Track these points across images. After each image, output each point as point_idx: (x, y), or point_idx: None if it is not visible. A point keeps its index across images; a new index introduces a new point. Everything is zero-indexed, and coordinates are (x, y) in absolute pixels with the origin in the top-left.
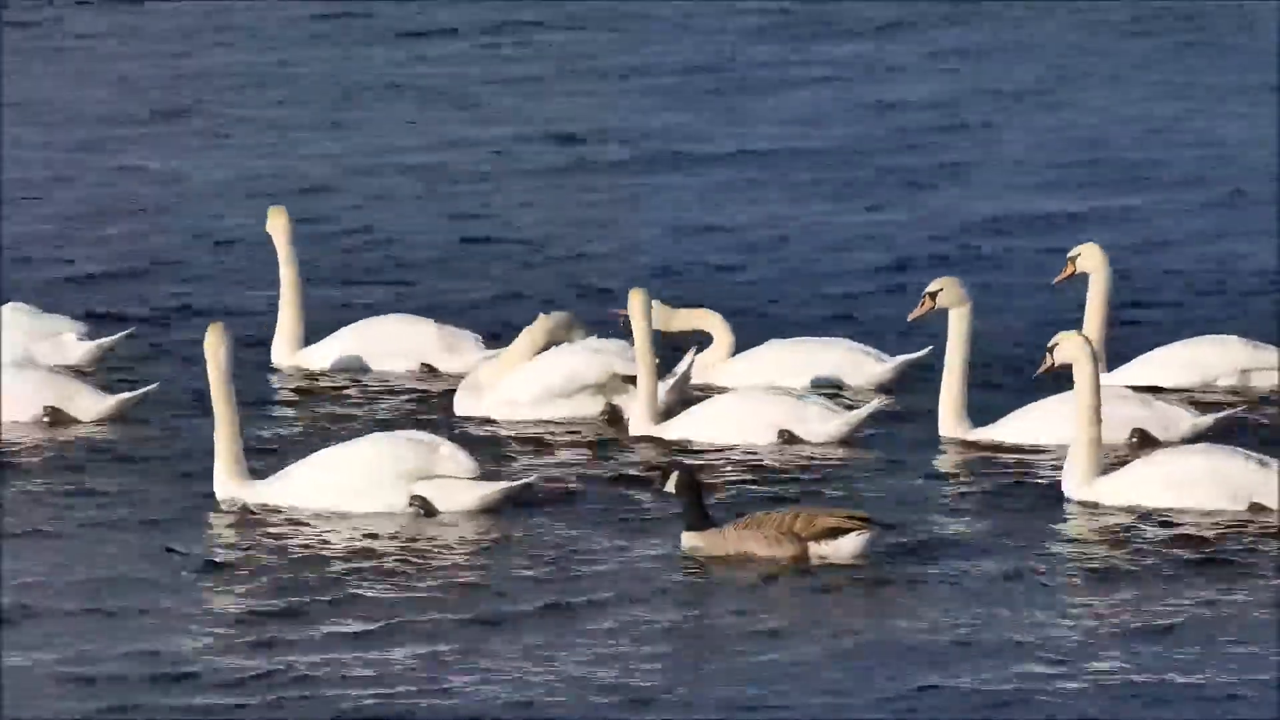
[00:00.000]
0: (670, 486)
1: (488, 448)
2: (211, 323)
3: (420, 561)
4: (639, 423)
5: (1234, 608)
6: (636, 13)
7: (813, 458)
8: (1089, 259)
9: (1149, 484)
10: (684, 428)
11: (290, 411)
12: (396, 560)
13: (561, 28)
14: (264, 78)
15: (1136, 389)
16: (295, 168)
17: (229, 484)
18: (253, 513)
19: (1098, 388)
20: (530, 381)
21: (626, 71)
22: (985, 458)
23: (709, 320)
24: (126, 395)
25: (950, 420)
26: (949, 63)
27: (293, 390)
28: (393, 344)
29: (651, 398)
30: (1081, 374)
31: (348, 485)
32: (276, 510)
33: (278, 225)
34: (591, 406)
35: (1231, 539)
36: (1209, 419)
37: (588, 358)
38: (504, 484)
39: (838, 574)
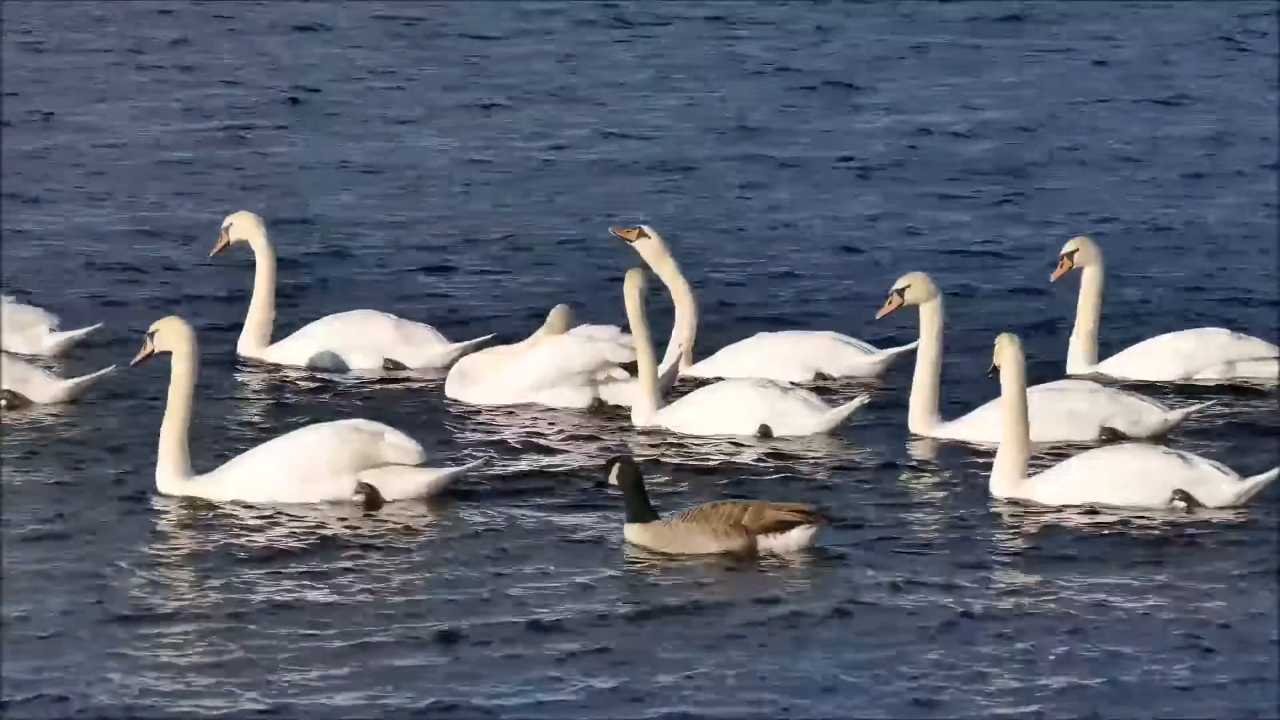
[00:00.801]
0: (612, 478)
1: (472, 435)
2: (170, 316)
3: (366, 552)
4: (641, 412)
5: (1165, 603)
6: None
7: (786, 451)
8: (1084, 253)
9: (1074, 483)
10: (675, 418)
11: (255, 405)
12: (345, 551)
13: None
14: (377, 72)
15: (1115, 381)
16: (405, 161)
17: (173, 478)
18: (198, 506)
19: (1023, 389)
20: (522, 370)
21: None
22: (947, 454)
23: (682, 299)
24: (81, 379)
25: (920, 416)
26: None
27: (258, 385)
28: (354, 339)
29: (653, 385)
30: (1008, 376)
31: (294, 476)
32: (222, 503)
33: (247, 227)
34: (582, 395)
35: (1156, 532)
36: (1178, 414)
37: (580, 346)
38: (450, 469)
39: (776, 572)
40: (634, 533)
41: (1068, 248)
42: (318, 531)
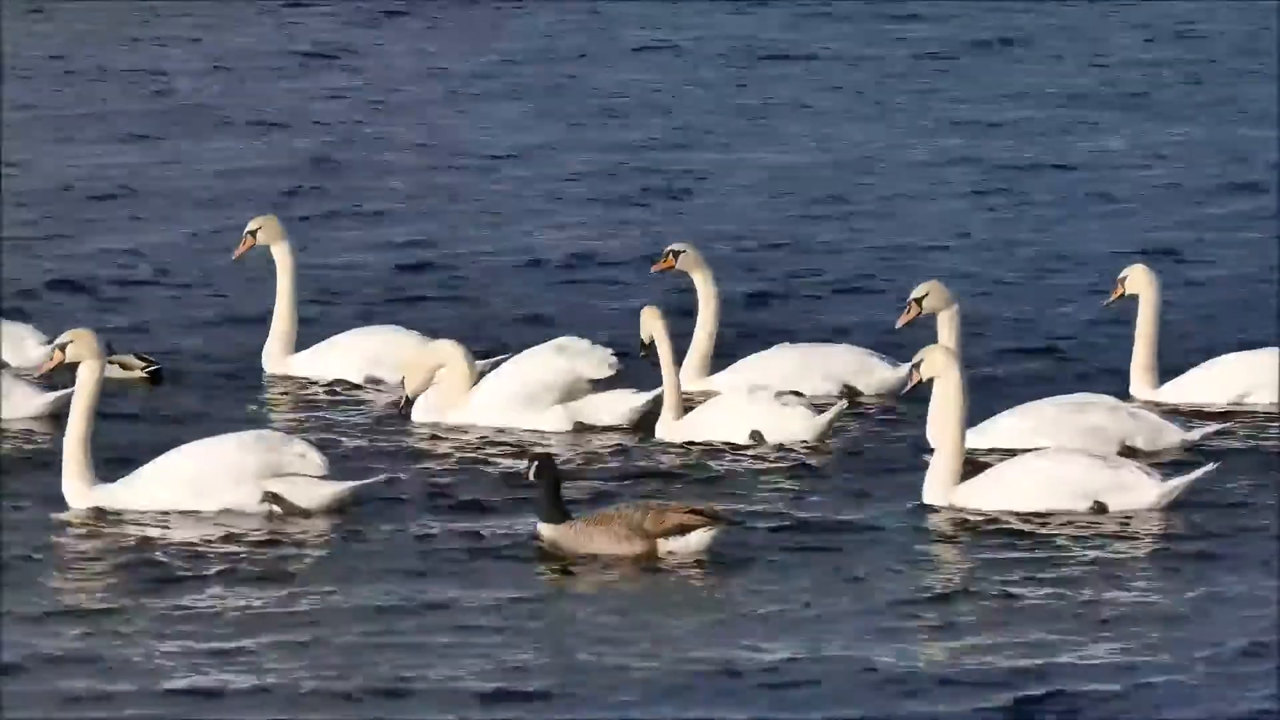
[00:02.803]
0: (531, 475)
1: (449, 460)
2: (79, 330)
3: (268, 561)
4: (663, 423)
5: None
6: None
7: (775, 458)
8: (1137, 281)
9: (1002, 489)
10: (695, 428)
11: (270, 419)
12: (245, 559)
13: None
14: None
15: (1164, 406)
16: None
17: (77, 487)
18: (105, 516)
19: (961, 398)
20: (495, 389)
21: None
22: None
23: (709, 305)
24: (61, 392)
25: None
26: None
27: (276, 395)
28: (377, 354)
29: (677, 398)
30: (947, 385)
31: (198, 484)
32: (127, 512)
33: (271, 233)
34: (556, 416)
35: (1073, 540)
36: (1197, 434)
37: (551, 360)
38: (355, 482)
39: (678, 574)
40: (545, 531)
41: (1123, 274)
42: (217, 538)
